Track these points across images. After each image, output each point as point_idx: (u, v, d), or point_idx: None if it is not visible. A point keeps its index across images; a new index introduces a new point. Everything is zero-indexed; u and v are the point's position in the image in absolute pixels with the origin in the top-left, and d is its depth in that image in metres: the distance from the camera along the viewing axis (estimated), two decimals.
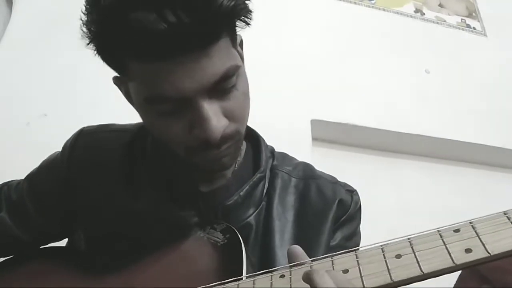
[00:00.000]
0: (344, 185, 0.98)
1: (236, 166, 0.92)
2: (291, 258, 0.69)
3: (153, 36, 0.65)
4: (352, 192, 0.98)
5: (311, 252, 0.84)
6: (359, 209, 0.98)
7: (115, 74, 0.80)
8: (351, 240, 0.95)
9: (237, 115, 0.77)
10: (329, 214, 0.92)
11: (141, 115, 0.79)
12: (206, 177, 0.90)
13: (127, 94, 0.81)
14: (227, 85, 0.73)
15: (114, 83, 0.83)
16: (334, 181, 0.98)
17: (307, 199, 0.94)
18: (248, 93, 0.79)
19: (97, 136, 0.96)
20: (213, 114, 0.71)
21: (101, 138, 0.96)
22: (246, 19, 0.74)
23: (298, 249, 0.70)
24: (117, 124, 1.00)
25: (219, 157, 0.78)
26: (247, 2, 0.73)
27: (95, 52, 0.76)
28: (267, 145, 0.99)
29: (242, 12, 0.72)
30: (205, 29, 0.67)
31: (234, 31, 0.76)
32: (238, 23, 0.74)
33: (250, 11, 0.73)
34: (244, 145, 0.96)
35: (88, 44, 0.74)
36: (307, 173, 0.98)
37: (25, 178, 0.99)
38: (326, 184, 0.96)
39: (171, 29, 0.64)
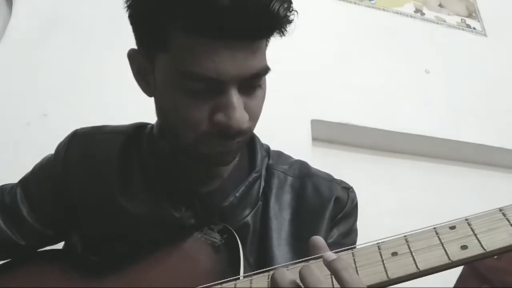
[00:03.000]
0: (340, 183, 0.98)
1: (232, 166, 0.92)
2: (313, 249, 0.68)
3: (216, 9, 0.66)
4: (348, 189, 0.98)
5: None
6: (355, 206, 0.98)
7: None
8: (348, 237, 0.95)
9: (255, 115, 0.79)
10: (326, 212, 0.92)
11: (162, 91, 0.78)
12: (203, 177, 0.90)
13: (141, 71, 0.82)
14: (256, 82, 0.76)
15: (129, 56, 0.83)
16: (330, 179, 0.98)
17: (304, 197, 0.94)
18: (265, 97, 0.81)
19: (91, 138, 0.96)
20: (239, 105, 0.73)
21: (96, 139, 0.96)
22: (284, 30, 0.76)
23: (320, 240, 0.69)
24: (111, 125, 0.99)
25: (227, 150, 0.78)
26: (293, 15, 0.75)
27: (133, 16, 0.77)
28: (262, 144, 0.99)
29: (287, 22, 0.74)
30: (261, 22, 0.70)
31: (270, 38, 0.78)
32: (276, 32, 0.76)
33: (291, 22, 0.75)
34: None
35: (127, 5, 0.76)
36: (303, 172, 0.98)
37: (19, 181, 0.99)
38: (322, 182, 0.96)
39: (234, 9, 0.66)
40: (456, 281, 1.37)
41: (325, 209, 0.93)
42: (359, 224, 1.01)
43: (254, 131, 0.98)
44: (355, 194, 0.99)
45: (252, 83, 0.76)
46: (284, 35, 0.77)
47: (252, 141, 0.97)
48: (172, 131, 0.80)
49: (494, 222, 0.59)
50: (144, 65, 0.80)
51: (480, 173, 2.23)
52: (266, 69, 0.76)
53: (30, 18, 1.83)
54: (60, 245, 1.04)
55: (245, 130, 0.76)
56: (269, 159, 0.98)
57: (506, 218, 0.59)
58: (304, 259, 0.67)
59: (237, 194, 0.88)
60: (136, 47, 0.82)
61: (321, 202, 0.93)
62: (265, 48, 0.78)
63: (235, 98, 0.72)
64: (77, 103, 1.69)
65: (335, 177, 1.01)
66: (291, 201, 0.93)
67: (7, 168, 1.30)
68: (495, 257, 0.58)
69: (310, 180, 0.96)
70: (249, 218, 0.89)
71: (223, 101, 0.72)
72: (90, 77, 1.75)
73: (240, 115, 0.72)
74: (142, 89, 0.84)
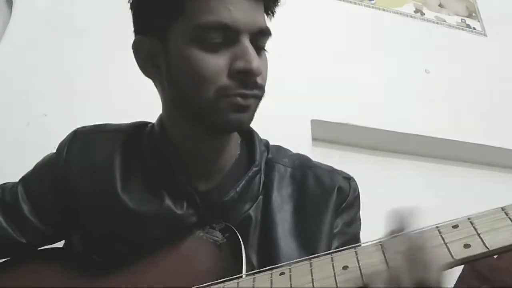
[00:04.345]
0: (341, 173, 1.00)
1: (233, 161, 0.93)
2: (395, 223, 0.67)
3: None
4: (349, 179, 0.99)
5: (314, 241, 0.86)
6: (357, 196, 0.99)
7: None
8: (352, 226, 0.96)
9: (264, 74, 0.83)
10: (330, 202, 0.93)
11: (178, 61, 0.81)
12: (204, 173, 0.91)
13: (150, 56, 0.84)
14: (263, 41, 0.83)
15: (136, 43, 0.86)
16: (330, 169, 0.99)
17: (305, 188, 0.95)
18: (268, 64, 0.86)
19: (92, 137, 0.97)
20: (255, 53, 0.79)
21: (97, 138, 0.96)
22: (274, 9, 0.86)
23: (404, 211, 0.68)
24: (112, 124, 1.00)
25: (246, 104, 0.80)
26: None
27: None
28: (261, 138, 1.00)
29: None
30: None
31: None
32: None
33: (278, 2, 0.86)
34: (239, 142, 0.96)
35: None
36: (303, 163, 0.99)
37: (20, 180, 1.00)
38: (323, 172, 0.97)
39: None
40: (456, 281, 1.37)
41: (329, 200, 0.93)
42: None
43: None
44: (356, 183, 1.00)
45: (259, 41, 0.82)
46: (273, 15, 0.86)
47: (250, 136, 0.98)
48: (190, 98, 0.81)
49: (497, 221, 0.60)
50: (154, 47, 0.83)
51: (480, 173, 2.22)
52: (270, 30, 0.83)
53: (30, 18, 1.82)
54: (60, 244, 1.04)
55: (260, 85, 0.81)
56: (268, 153, 0.98)
57: (509, 217, 0.60)
58: (312, 256, 0.68)
59: (237, 189, 0.89)
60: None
61: (324, 192, 0.94)
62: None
63: (250, 46, 0.78)
64: (77, 103, 1.69)
65: (331, 166, 1.02)
66: (293, 193, 0.94)
67: (7, 168, 1.29)
68: (495, 256, 0.58)
69: (310, 170, 0.97)
70: (250, 211, 0.90)
71: (239, 50, 0.78)
72: (90, 77, 1.75)
73: (257, 60, 0.78)
74: (149, 75, 0.87)
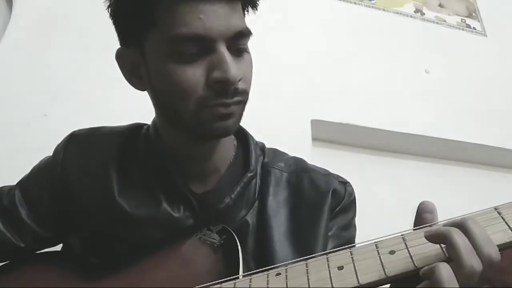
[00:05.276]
0: (337, 177, 0.99)
1: (228, 163, 0.93)
2: (422, 214, 0.66)
3: None
4: (345, 183, 0.98)
5: (309, 244, 0.85)
6: (353, 201, 0.99)
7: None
8: (347, 231, 0.96)
9: (247, 77, 0.81)
10: (325, 206, 0.93)
11: (156, 72, 0.80)
12: (200, 174, 0.91)
13: (133, 66, 0.84)
14: (242, 43, 0.79)
15: (119, 54, 0.86)
16: (326, 173, 0.99)
17: (301, 192, 0.94)
18: (252, 64, 0.84)
19: (88, 139, 0.97)
20: (232, 61, 0.76)
21: (93, 141, 0.96)
22: (255, 3, 0.84)
23: (429, 203, 0.67)
24: (108, 126, 1.00)
25: (228, 112, 0.79)
26: None
27: (117, 9, 0.81)
28: (256, 142, 0.99)
29: None
30: None
31: (245, 6, 0.83)
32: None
33: None
34: (235, 143, 0.96)
35: (108, 4, 0.81)
36: (299, 167, 0.99)
37: (17, 183, 1.00)
38: (318, 176, 0.97)
39: None
40: None
41: (324, 203, 0.93)
42: (359, 224, 1.01)
43: (252, 131, 0.99)
44: (352, 188, 0.99)
45: (238, 44, 0.79)
46: (256, 9, 0.83)
47: (245, 140, 0.98)
48: (172, 108, 0.80)
49: (490, 221, 0.60)
50: (135, 58, 0.82)
51: (480, 173, 2.22)
52: (249, 30, 0.80)
53: (30, 18, 1.83)
54: (59, 247, 1.04)
55: (241, 89, 0.79)
56: (264, 157, 0.98)
57: (501, 217, 0.60)
58: (308, 257, 0.68)
59: (232, 196, 0.89)
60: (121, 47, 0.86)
61: (319, 196, 0.94)
62: (243, 16, 0.83)
63: (226, 53, 0.75)
64: (77, 103, 1.69)
65: (328, 169, 1.02)
66: (289, 197, 0.94)
67: (7, 168, 1.30)
68: None
69: (306, 174, 0.97)
70: (247, 217, 0.90)
71: (215, 59, 0.75)
72: (90, 77, 1.75)
73: (234, 68, 0.75)
74: (135, 85, 0.86)
